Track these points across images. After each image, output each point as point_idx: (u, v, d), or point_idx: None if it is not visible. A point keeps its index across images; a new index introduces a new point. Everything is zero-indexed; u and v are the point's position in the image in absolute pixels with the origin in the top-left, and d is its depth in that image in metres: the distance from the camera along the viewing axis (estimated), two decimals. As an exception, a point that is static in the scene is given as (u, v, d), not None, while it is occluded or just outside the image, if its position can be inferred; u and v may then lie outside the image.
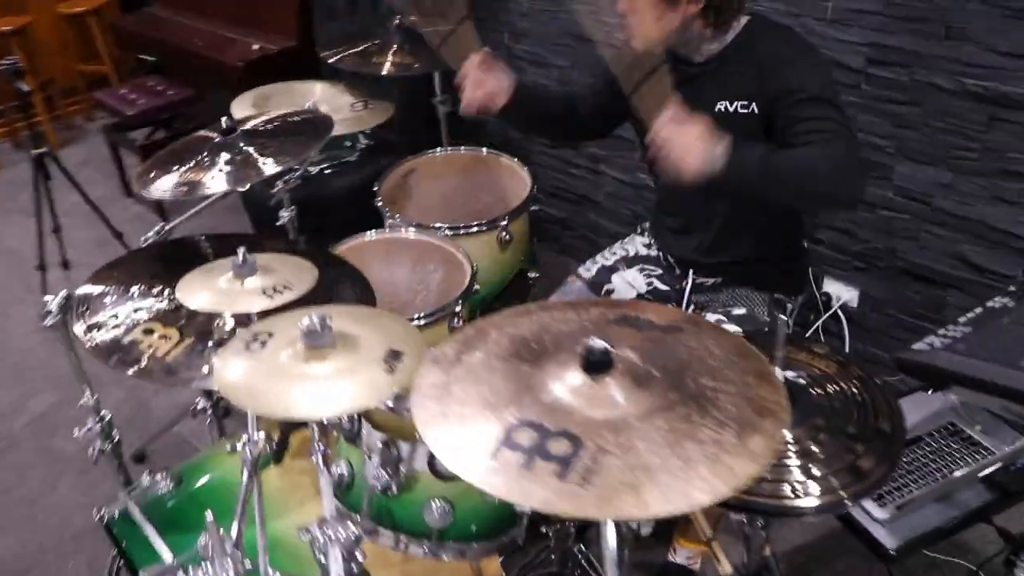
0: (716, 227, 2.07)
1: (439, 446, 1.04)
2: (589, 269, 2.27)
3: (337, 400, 1.27)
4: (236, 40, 3.84)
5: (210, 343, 1.56)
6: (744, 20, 1.88)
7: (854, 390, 1.42)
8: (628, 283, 2.22)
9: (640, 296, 2.20)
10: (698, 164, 1.63)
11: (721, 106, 1.88)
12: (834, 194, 1.71)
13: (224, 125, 2.04)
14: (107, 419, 1.81)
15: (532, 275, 2.62)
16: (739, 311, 2.07)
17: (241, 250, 1.57)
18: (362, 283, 1.79)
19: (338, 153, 3.24)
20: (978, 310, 1.64)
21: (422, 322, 2.02)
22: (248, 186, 1.95)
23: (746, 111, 1.85)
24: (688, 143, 1.65)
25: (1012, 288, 1.70)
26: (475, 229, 2.37)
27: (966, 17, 2.20)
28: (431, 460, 1.58)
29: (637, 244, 2.30)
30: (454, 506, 1.60)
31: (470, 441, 1.03)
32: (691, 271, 2.16)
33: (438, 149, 2.76)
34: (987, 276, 2.42)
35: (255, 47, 3.69)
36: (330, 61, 2.78)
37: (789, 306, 2.13)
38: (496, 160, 2.71)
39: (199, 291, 1.59)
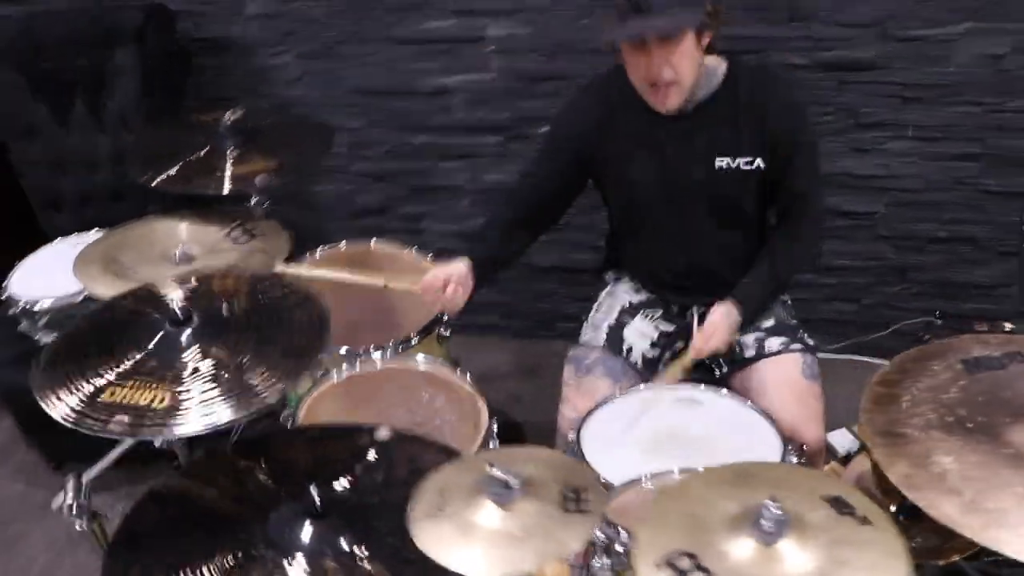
0: (704, 253, 2.04)
1: None
2: (597, 335, 2.09)
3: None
4: None
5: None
6: (724, 64, 1.87)
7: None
8: (640, 333, 2.09)
9: (653, 344, 2.09)
10: (727, 341, 1.92)
11: (722, 163, 1.88)
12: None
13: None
14: None
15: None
16: (768, 323, 2.06)
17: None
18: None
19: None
20: None
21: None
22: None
23: (749, 167, 1.88)
24: (720, 343, 1.90)
25: None
26: (415, 341, 2.06)
27: (809, -1, 2.39)
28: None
29: (624, 292, 2.16)
30: None
31: None
32: (694, 306, 2.10)
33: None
34: (854, 218, 2.70)
35: None
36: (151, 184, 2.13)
37: (786, 299, 2.17)
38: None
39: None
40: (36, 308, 2.33)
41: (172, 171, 2.10)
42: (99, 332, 1.48)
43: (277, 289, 1.58)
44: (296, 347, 1.44)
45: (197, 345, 1.43)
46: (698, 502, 1.19)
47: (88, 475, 1.59)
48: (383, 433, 1.45)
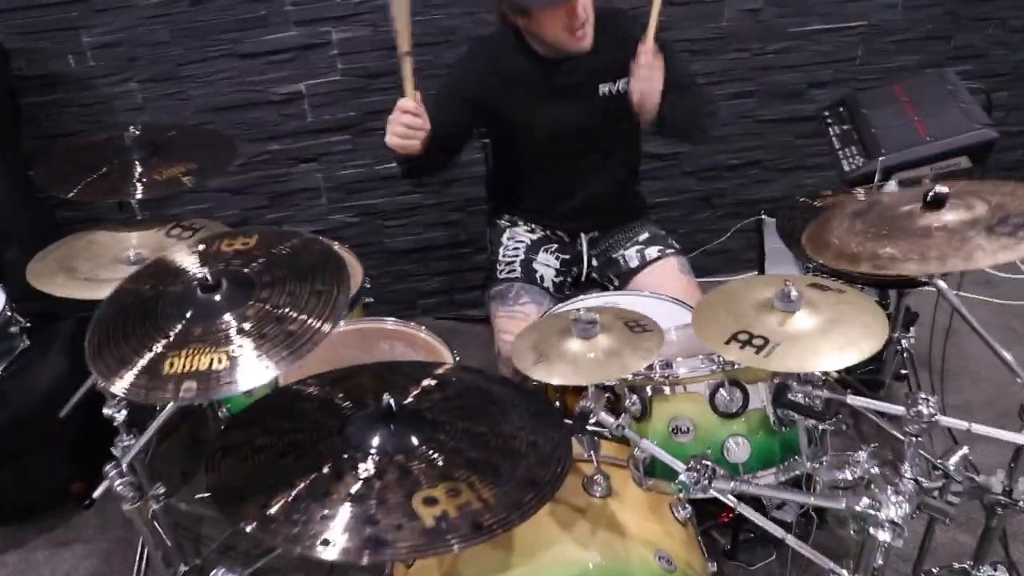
0: (590, 185, 2.40)
1: None
2: (513, 270, 2.38)
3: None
4: None
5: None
6: None
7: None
8: (545, 264, 2.41)
9: (557, 271, 2.41)
10: (657, 93, 2.08)
11: (604, 88, 2.25)
12: (711, 129, 2.38)
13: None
14: None
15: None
16: (644, 235, 2.45)
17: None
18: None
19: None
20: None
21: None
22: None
23: (627, 88, 2.20)
24: (657, 78, 2.07)
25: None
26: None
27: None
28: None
29: (522, 234, 2.47)
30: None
31: None
32: (581, 234, 2.47)
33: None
34: (662, 159, 3.19)
35: None
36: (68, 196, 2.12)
37: (654, 216, 2.58)
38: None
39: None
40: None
41: (87, 181, 2.12)
42: (130, 314, 1.54)
43: (284, 240, 1.69)
44: (322, 289, 1.58)
45: (233, 305, 1.51)
46: (727, 301, 1.56)
47: (126, 457, 1.62)
48: None
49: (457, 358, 2.07)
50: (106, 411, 1.72)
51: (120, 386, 1.39)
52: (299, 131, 2.97)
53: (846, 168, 2.37)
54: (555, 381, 1.50)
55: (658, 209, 3.26)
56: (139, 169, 2.16)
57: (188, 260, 1.63)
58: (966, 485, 1.50)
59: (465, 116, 2.28)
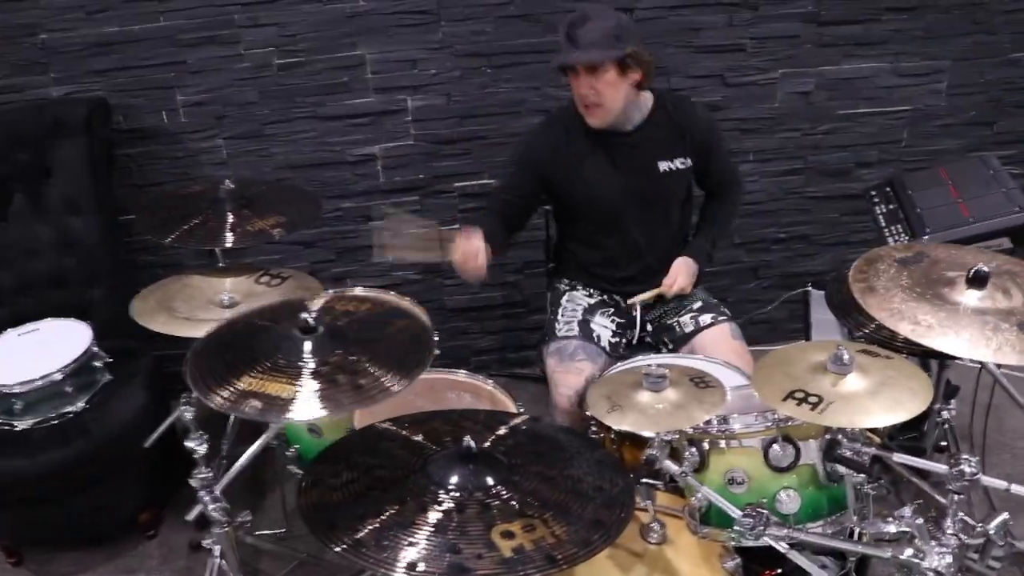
0: (647, 255, 2.57)
1: None
2: (571, 329, 2.50)
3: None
4: None
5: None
6: (651, 95, 2.44)
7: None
8: (603, 326, 2.54)
9: (613, 332, 2.54)
10: (689, 284, 2.54)
11: (664, 166, 2.46)
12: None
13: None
14: None
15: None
16: (697, 304, 2.58)
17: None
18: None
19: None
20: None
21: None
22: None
23: (684, 166, 2.48)
24: (684, 285, 2.52)
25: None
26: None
27: (667, 58, 3.01)
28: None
29: (581, 298, 2.61)
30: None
31: None
32: (635, 295, 2.61)
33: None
34: (715, 232, 3.32)
35: None
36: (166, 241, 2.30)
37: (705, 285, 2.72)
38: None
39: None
40: (12, 392, 2.42)
41: (184, 228, 2.31)
42: (238, 338, 1.71)
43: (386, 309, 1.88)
44: (401, 355, 1.72)
45: (321, 349, 1.67)
46: (783, 363, 1.68)
47: (220, 483, 1.76)
48: None
49: (521, 408, 2.20)
50: (188, 443, 1.85)
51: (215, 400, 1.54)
52: (371, 190, 3.15)
53: (891, 244, 2.49)
54: (626, 428, 1.62)
55: (708, 278, 3.38)
56: (231, 219, 2.34)
57: (315, 303, 1.79)
58: (1007, 550, 1.58)
59: (532, 187, 2.49)
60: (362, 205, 3.17)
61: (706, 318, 2.53)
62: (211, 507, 1.72)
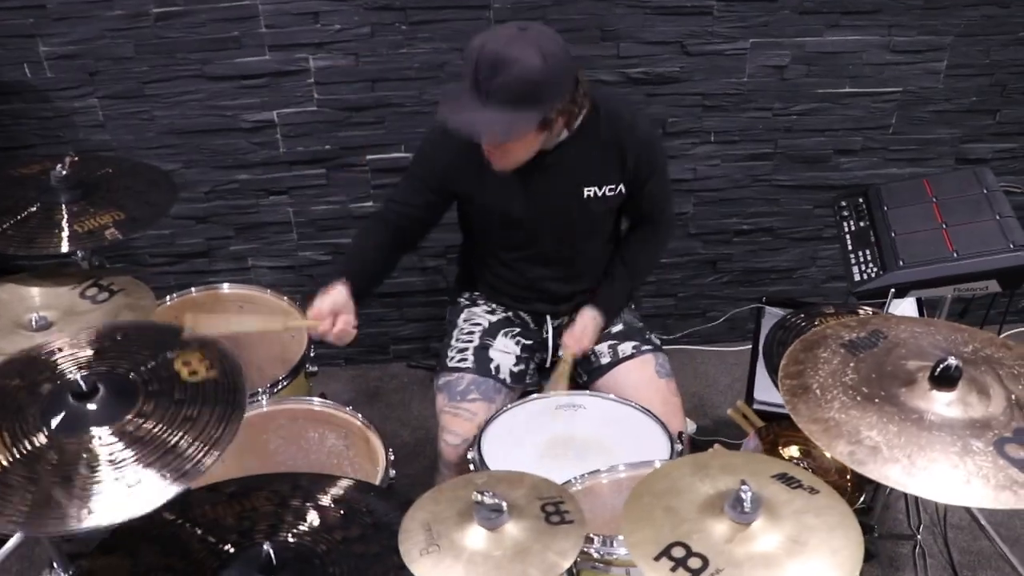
0: (562, 269, 2.16)
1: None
2: (464, 359, 2.13)
3: None
4: None
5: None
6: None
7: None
8: (503, 351, 2.17)
9: (517, 359, 2.17)
10: (594, 341, 2.15)
11: (590, 192, 2.00)
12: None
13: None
14: None
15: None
16: (618, 327, 2.20)
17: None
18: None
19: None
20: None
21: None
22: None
23: (612, 193, 2.02)
24: (590, 343, 2.14)
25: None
26: (286, 382, 2.08)
27: (616, 20, 2.55)
28: None
29: (481, 315, 2.23)
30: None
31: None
32: (547, 317, 2.22)
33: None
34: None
35: None
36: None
37: (632, 304, 2.32)
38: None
39: None
40: None
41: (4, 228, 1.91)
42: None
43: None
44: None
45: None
46: (668, 495, 1.30)
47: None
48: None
49: (391, 458, 1.86)
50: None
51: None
52: (270, 161, 2.74)
53: (856, 277, 2.08)
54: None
55: (657, 271, 2.99)
56: (66, 215, 1.94)
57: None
58: None
59: (430, 200, 2.06)
60: (260, 177, 2.76)
61: (627, 347, 2.16)
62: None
